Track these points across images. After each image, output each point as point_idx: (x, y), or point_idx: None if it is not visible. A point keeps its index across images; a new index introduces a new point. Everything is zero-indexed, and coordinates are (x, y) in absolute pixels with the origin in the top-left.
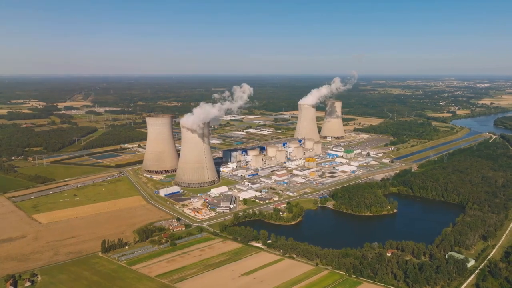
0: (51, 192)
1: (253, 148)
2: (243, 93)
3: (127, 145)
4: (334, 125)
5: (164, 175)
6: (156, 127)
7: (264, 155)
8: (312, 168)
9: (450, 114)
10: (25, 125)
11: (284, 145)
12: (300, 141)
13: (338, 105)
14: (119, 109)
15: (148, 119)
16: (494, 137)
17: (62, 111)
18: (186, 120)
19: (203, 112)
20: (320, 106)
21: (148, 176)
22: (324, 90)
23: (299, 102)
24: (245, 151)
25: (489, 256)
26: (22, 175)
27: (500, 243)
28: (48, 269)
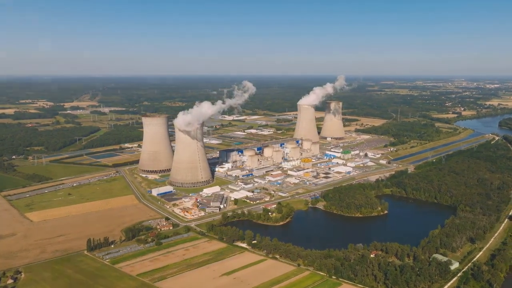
0: (46, 191)
1: (249, 149)
2: (244, 92)
3: (126, 145)
4: (334, 126)
5: (160, 174)
6: (152, 127)
7: (261, 155)
8: (307, 168)
9: (455, 115)
10: (30, 125)
11: (281, 145)
12: (297, 141)
13: (338, 105)
14: (124, 109)
15: (144, 119)
16: (496, 138)
17: (68, 111)
18: (181, 120)
19: (200, 112)
20: (320, 107)
21: (144, 175)
22: (328, 89)
23: (298, 103)
24: (241, 151)
25: (474, 259)
26: (20, 173)
27: (487, 245)
28: (32, 266)
